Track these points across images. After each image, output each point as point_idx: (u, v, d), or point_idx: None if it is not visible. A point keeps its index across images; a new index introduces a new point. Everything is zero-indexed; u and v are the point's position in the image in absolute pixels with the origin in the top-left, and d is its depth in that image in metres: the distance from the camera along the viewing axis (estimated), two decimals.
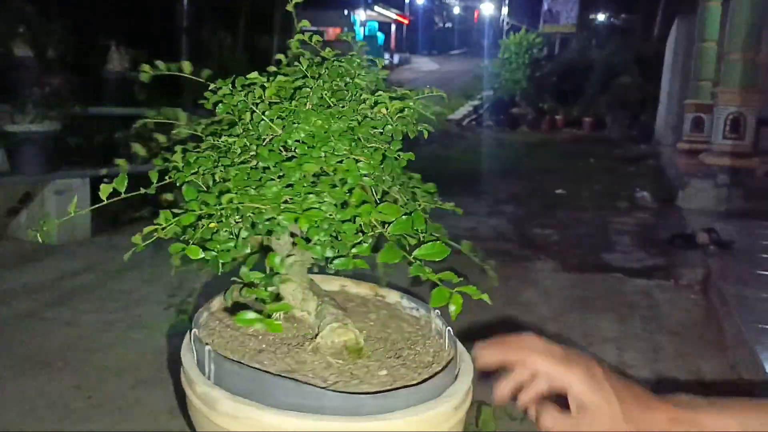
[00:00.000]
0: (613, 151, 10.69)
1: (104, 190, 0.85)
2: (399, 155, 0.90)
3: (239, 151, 0.87)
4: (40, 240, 0.86)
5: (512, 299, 2.91)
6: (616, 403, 0.66)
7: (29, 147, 3.53)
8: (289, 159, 0.82)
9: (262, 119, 0.86)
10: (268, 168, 0.82)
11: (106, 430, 1.70)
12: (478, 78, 19.16)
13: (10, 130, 3.48)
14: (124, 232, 4.08)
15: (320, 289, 0.99)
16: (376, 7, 25.83)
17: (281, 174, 0.80)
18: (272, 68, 0.99)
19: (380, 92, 0.94)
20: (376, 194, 0.84)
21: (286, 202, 0.77)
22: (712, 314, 2.78)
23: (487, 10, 33.46)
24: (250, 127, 0.88)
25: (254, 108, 0.88)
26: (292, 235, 0.87)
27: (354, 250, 0.75)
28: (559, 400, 0.70)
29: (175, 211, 0.81)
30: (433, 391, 0.78)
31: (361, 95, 0.94)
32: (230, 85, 0.95)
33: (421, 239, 0.78)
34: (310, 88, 0.89)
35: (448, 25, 37.65)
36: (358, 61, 0.97)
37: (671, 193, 5.82)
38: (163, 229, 0.79)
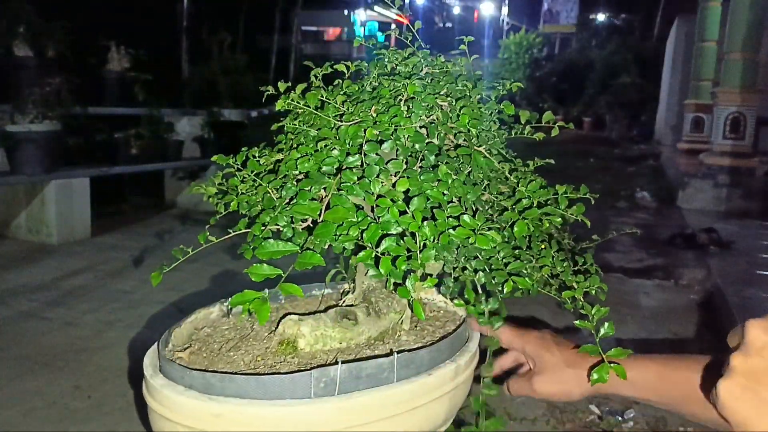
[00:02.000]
0: (613, 150, 10.70)
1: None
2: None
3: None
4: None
5: (512, 300, 2.90)
6: (559, 353, 0.85)
7: (29, 147, 3.54)
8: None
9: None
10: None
11: (106, 430, 1.70)
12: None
13: (10, 130, 3.49)
14: (124, 232, 4.09)
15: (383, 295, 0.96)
16: (375, 7, 25.83)
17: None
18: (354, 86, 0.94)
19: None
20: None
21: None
22: (712, 314, 2.78)
23: (487, 10, 33.46)
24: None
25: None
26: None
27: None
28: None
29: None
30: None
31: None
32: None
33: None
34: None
35: (448, 25, 37.65)
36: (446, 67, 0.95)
37: (671, 193, 5.82)
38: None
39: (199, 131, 5.02)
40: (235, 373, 0.77)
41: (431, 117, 0.87)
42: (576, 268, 0.93)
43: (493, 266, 0.88)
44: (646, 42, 16.77)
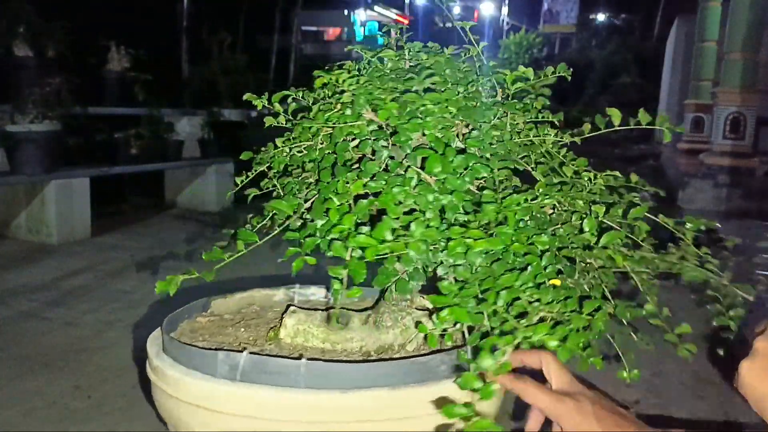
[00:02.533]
0: (614, 150, 10.69)
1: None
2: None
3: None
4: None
5: None
6: None
7: (29, 147, 3.53)
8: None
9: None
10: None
11: (106, 430, 1.70)
12: None
13: (10, 130, 3.48)
14: (124, 232, 4.09)
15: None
16: (376, 7, 25.80)
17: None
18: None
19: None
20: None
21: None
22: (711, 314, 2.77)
23: (487, 10, 33.44)
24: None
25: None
26: None
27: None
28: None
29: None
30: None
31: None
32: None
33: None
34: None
35: (448, 25, 37.63)
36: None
37: (671, 193, 5.82)
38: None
39: (199, 131, 5.02)
40: (183, 342, 0.86)
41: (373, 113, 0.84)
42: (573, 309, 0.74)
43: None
44: (646, 42, 16.79)
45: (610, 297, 0.80)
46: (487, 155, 0.84)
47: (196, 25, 7.44)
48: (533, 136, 0.90)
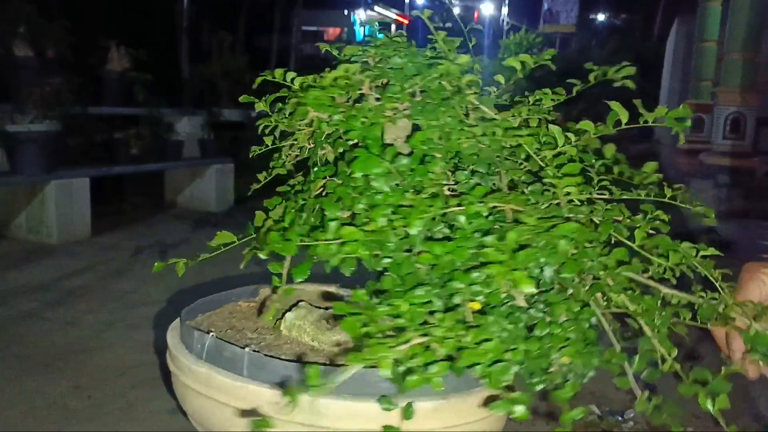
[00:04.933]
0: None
1: None
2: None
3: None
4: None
5: None
6: None
7: (29, 147, 3.53)
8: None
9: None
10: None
11: (106, 430, 1.70)
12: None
13: (10, 130, 3.48)
14: (124, 232, 4.09)
15: None
16: (376, 7, 25.80)
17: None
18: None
19: None
20: None
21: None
22: None
23: (487, 10, 33.45)
24: None
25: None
26: None
27: None
28: None
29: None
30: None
31: None
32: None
33: None
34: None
35: (448, 25, 37.59)
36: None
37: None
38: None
39: (199, 131, 5.02)
40: (195, 328, 0.91)
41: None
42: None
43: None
44: (646, 42, 16.80)
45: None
46: (436, 155, 0.77)
47: (196, 25, 7.45)
48: (523, 135, 0.83)
